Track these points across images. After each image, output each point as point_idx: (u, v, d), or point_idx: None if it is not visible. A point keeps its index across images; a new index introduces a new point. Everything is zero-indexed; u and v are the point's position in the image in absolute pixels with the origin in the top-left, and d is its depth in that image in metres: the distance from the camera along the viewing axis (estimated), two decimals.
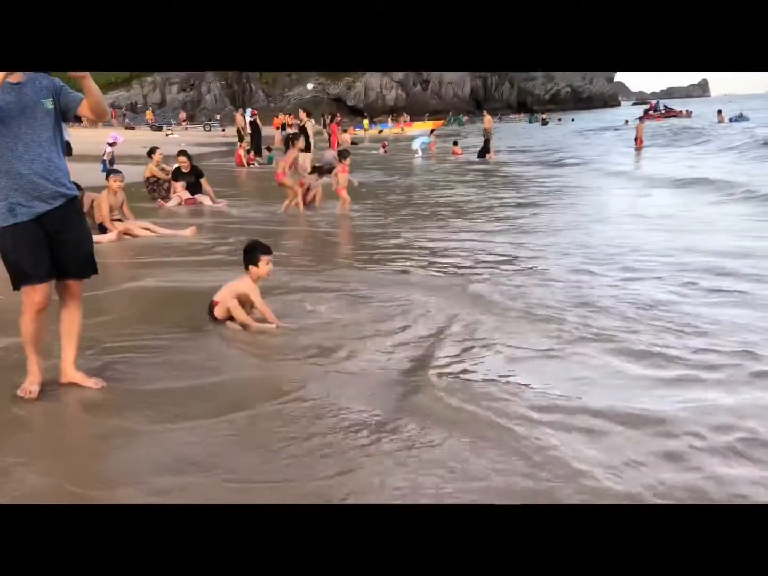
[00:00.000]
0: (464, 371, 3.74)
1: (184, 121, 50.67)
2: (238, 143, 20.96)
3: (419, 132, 35.89)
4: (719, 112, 38.66)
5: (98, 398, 3.46)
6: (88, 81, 3.24)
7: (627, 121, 39.65)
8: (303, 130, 14.90)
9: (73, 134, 11.66)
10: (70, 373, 3.61)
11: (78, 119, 3.80)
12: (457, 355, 3.97)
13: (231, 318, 4.57)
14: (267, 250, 4.67)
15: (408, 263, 6.59)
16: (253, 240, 4.87)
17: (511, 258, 6.69)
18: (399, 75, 71.38)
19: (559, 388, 3.48)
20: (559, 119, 50.42)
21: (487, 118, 24.13)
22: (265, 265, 4.61)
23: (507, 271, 6.13)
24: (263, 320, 4.56)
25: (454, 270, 6.26)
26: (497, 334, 4.33)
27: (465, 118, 59.86)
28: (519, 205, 10.74)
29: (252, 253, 4.65)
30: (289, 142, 10.44)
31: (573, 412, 3.19)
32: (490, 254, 6.93)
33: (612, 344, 4.09)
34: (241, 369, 3.93)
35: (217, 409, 3.32)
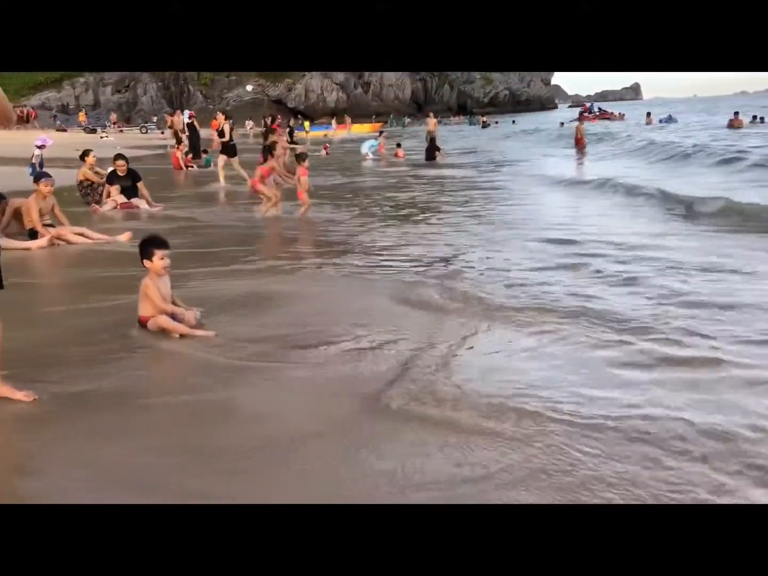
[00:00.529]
0: (426, 375, 3.67)
1: (115, 123, 49.24)
2: (176, 145, 20.53)
3: (366, 135, 35.88)
4: (648, 114, 40.26)
5: (29, 411, 3.28)
6: None
7: (563, 123, 40.62)
8: (222, 134, 14.62)
9: None
10: None
11: None
12: (417, 358, 3.89)
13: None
14: (161, 244, 4.50)
15: (372, 264, 6.52)
16: (150, 234, 4.70)
17: (474, 253, 6.73)
18: (340, 77, 71.30)
19: (517, 386, 3.46)
20: (496, 122, 50.82)
21: (432, 120, 24.26)
22: (159, 259, 4.43)
23: (473, 270, 6.14)
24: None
25: (414, 269, 6.21)
26: (459, 333, 4.30)
27: (408, 120, 60.34)
28: (483, 204, 10.81)
29: (145, 247, 4.49)
30: (266, 152, 10.12)
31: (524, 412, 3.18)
32: (449, 254, 6.92)
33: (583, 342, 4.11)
34: (179, 383, 3.77)
35: (152, 423, 3.18)
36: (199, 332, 4.38)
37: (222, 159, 14.61)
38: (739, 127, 28.58)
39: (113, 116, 52.07)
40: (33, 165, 13.02)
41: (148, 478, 2.66)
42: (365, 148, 23.60)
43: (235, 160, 14.74)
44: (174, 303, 4.54)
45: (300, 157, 10.13)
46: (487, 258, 6.74)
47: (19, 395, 3.37)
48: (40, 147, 13.14)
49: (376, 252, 7.22)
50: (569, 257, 6.61)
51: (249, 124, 47.35)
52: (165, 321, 4.37)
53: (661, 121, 38.53)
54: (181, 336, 4.34)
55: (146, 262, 4.46)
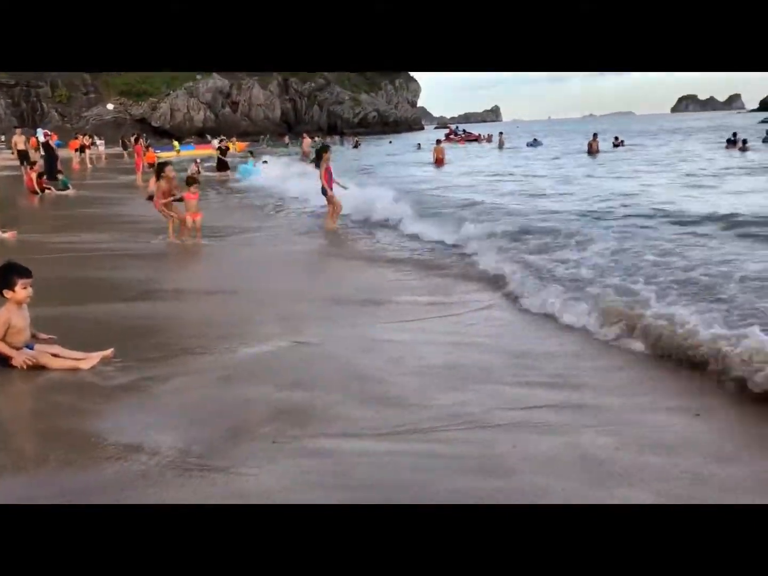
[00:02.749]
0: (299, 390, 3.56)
1: None
2: (27, 167, 18.96)
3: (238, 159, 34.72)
4: (500, 133, 42.61)
5: None
6: None
7: (420, 144, 41.56)
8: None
9: None
10: None
11: None
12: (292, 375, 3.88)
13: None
14: (24, 273, 4.10)
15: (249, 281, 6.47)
16: (9, 261, 4.23)
17: None
18: (207, 96, 69.81)
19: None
20: (359, 143, 50.28)
21: (306, 140, 24.60)
22: (21, 289, 4.05)
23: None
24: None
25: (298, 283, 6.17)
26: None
27: (286, 140, 59.82)
28: None
29: (7, 275, 4.07)
30: (159, 173, 9.64)
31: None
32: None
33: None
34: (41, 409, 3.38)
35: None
36: (65, 362, 4.11)
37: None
38: (597, 151, 29.00)
39: None
40: None
41: None
42: (256, 172, 21.07)
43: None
44: (33, 336, 4.21)
45: (188, 182, 9.89)
46: None
47: None
48: None
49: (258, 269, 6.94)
50: None
51: (100, 142, 37.84)
52: (31, 358, 4.05)
53: (528, 145, 39.23)
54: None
55: (7, 292, 4.04)
